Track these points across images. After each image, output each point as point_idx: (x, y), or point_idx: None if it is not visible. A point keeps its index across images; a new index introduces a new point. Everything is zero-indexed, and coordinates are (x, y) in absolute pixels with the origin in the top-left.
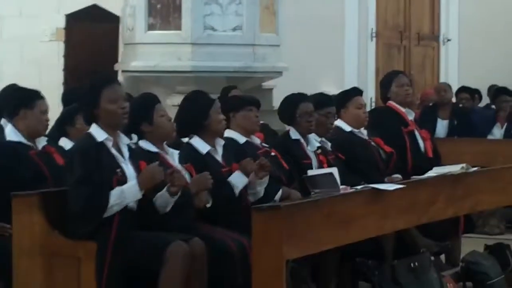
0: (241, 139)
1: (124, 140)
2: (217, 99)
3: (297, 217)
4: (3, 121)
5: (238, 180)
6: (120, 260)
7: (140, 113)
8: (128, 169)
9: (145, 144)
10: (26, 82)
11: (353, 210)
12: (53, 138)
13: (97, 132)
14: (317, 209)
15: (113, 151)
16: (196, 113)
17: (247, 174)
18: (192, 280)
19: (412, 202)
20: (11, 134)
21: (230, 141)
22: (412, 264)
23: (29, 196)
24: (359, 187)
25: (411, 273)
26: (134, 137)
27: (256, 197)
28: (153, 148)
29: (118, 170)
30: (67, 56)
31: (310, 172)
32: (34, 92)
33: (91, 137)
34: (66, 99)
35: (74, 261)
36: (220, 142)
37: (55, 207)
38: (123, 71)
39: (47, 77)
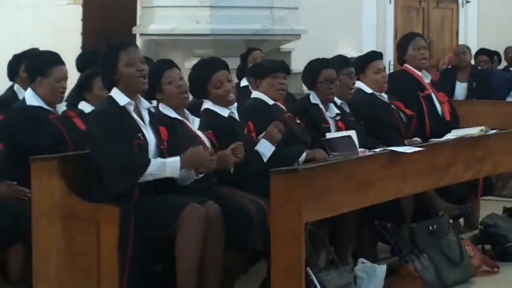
0: (270, 101)
1: (144, 104)
2: (222, 70)
3: (315, 180)
4: (16, 86)
5: (265, 148)
6: (140, 223)
7: (151, 80)
8: (149, 134)
9: (164, 109)
10: (43, 47)
11: (371, 173)
12: (72, 103)
13: (119, 96)
14: (336, 172)
15: (134, 115)
16: (196, 83)
17: (273, 142)
18: (208, 243)
19: (431, 165)
20: (31, 98)
21: (258, 101)
22: (430, 227)
23: (48, 160)
24: (377, 150)
25: (429, 235)
26: (154, 101)
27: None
28: (172, 114)
29: (140, 134)
30: (85, 20)
31: (329, 135)
32: (49, 59)
33: (113, 101)
34: (80, 63)
35: (93, 224)
36: (234, 109)
37: (74, 171)
38: (141, 34)
39: (65, 41)
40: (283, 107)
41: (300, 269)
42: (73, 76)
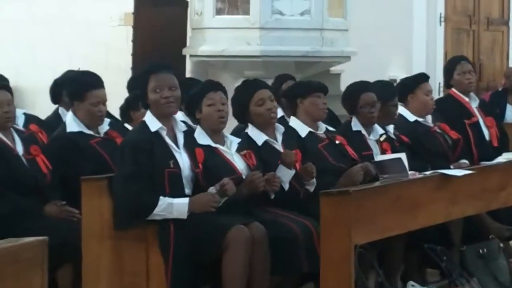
0: (304, 131)
1: (180, 127)
2: (264, 89)
3: (365, 202)
4: (61, 110)
5: (283, 174)
6: (184, 243)
7: (193, 100)
8: (182, 158)
9: (199, 137)
10: (94, 66)
11: (421, 195)
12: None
13: (151, 121)
14: (386, 194)
15: (167, 140)
16: (238, 103)
17: (288, 166)
18: (255, 265)
19: (482, 188)
20: (72, 123)
21: (292, 132)
22: (481, 250)
23: (98, 180)
24: (427, 172)
25: (480, 259)
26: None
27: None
28: (206, 141)
29: (171, 161)
30: (136, 41)
31: (379, 158)
32: (85, 83)
33: (145, 126)
34: (131, 85)
35: (142, 244)
36: (280, 129)
37: None
38: (191, 55)
39: (115, 61)
40: (323, 129)
41: None
42: (121, 97)
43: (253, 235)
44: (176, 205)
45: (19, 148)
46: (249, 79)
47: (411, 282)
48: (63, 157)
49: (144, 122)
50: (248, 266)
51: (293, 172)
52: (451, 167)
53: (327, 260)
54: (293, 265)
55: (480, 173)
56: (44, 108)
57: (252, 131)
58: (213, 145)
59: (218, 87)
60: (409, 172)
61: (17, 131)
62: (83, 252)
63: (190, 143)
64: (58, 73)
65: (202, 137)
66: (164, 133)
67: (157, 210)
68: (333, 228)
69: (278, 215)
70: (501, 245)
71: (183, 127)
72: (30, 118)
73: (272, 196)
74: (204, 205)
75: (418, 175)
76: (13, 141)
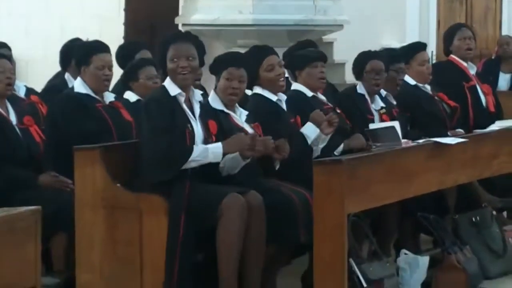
0: (309, 93)
1: (197, 97)
2: (273, 55)
3: (358, 171)
4: (67, 75)
5: (310, 130)
6: (190, 214)
7: (213, 67)
8: (197, 127)
9: (212, 101)
10: (87, 36)
11: (415, 164)
12: (118, 92)
13: (171, 86)
14: (379, 162)
15: (185, 107)
16: (249, 65)
17: (318, 125)
18: (250, 233)
19: (475, 156)
20: (80, 86)
21: (298, 93)
22: (473, 218)
23: (91, 150)
24: (421, 141)
25: (472, 227)
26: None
27: (314, 154)
28: (219, 106)
29: (188, 125)
30: (128, 10)
31: (372, 126)
32: (89, 48)
33: (165, 90)
34: (121, 54)
35: (136, 214)
36: (283, 97)
37: (117, 160)
38: (183, 24)
39: (107, 31)
40: (323, 97)
41: (343, 260)
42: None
43: (249, 204)
44: (211, 149)
45: (12, 118)
46: (257, 45)
47: (404, 250)
48: (69, 113)
49: (163, 86)
50: (243, 234)
51: (318, 131)
52: (449, 134)
53: (321, 229)
54: (290, 234)
55: (473, 141)
56: (36, 78)
57: (263, 91)
58: (226, 110)
59: (241, 63)
60: (402, 141)
61: (17, 99)
62: (76, 221)
63: (205, 115)
64: (50, 44)
65: (216, 103)
66: (182, 99)
67: (193, 156)
68: (326, 196)
69: (276, 184)
70: (494, 213)
71: (199, 98)
72: (30, 91)
73: (277, 167)
74: (239, 146)
75: (411, 144)
76: (7, 111)
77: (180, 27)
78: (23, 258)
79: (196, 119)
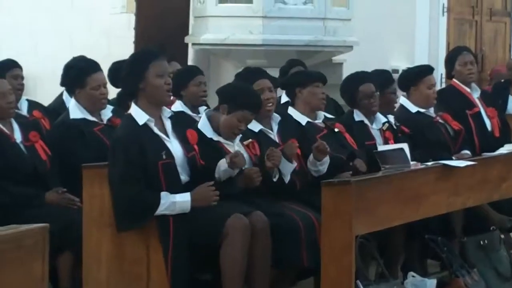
0: (303, 120)
1: (166, 113)
2: (264, 79)
3: (367, 193)
4: (65, 95)
5: (284, 166)
6: (183, 233)
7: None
8: (173, 146)
9: (203, 128)
10: (96, 54)
11: (423, 186)
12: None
13: (138, 114)
14: (387, 184)
15: (156, 131)
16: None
17: (289, 159)
18: (255, 254)
19: (483, 179)
20: (75, 110)
21: (292, 120)
22: (481, 242)
23: (99, 168)
24: (429, 163)
25: (480, 250)
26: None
27: (318, 174)
28: (210, 135)
29: (163, 152)
30: (138, 28)
31: (381, 148)
32: (82, 69)
33: (132, 120)
34: (112, 74)
35: (142, 232)
36: (276, 119)
37: None
38: (193, 44)
39: (116, 49)
40: (321, 119)
41: (350, 281)
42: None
43: (254, 224)
44: (179, 204)
45: (18, 136)
46: (250, 67)
47: (412, 273)
48: (65, 144)
49: (130, 115)
50: (247, 255)
51: (294, 165)
52: (453, 158)
53: (328, 250)
54: (293, 258)
55: (482, 164)
56: (45, 95)
57: None
58: (215, 138)
59: (259, 108)
60: (411, 163)
61: (20, 116)
62: (84, 239)
63: (178, 127)
64: (59, 61)
65: (206, 130)
66: (152, 125)
67: (159, 210)
68: (334, 218)
69: (281, 206)
70: (502, 236)
71: (168, 113)
72: (33, 104)
73: (275, 178)
74: (206, 200)
75: (420, 166)
76: (11, 128)
77: (190, 46)
78: (30, 276)
79: (170, 137)
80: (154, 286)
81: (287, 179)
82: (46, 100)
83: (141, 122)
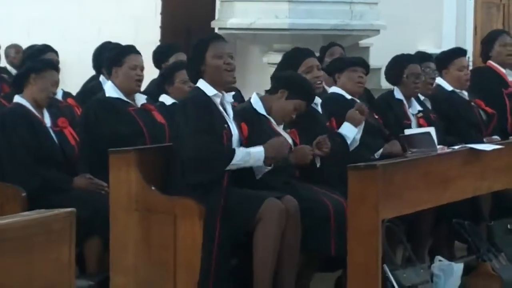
0: (347, 95)
1: (228, 99)
2: (313, 57)
3: (393, 177)
4: (102, 78)
5: (348, 130)
6: (226, 218)
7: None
8: (233, 128)
9: (255, 104)
10: (123, 39)
11: (450, 170)
12: (153, 94)
13: (206, 87)
14: (414, 168)
15: (220, 108)
16: (288, 66)
17: (355, 124)
18: (286, 238)
19: (510, 162)
20: (111, 90)
21: (335, 96)
22: (509, 225)
23: (126, 153)
24: (456, 147)
25: (508, 234)
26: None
27: (353, 146)
28: (262, 110)
29: (226, 125)
30: (164, 13)
31: (408, 131)
32: (122, 49)
33: (201, 91)
34: (156, 57)
35: (170, 217)
36: (318, 100)
37: (151, 163)
38: (219, 28)
39: (144, 34)
40: (360, 102)
41: (377, 266)
42: (151, 69)
43: (286, 208)
44: (253, 153)
45: (47, 121)
46: (298, 47)
47: (439, 257)
48: (100, 119)
49: (198, 87)
50: (279, 239)
51: (356, 130)
52: (484, 140)
53: (355, 234)
54: (322, 245)
55: (509, 148)
56: (73, 82)
57: None
58: (267, 116)
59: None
60: (438, 147)
61: (53, 101)
62: (111, 224)
63: (238, 117)
64: (87, 47)
65: (259, 107)
66: (218, 101)
67: (235, 160)
68: (360, 202)
69: (313, 190)
70: None
71: (230, 99)
72: (67, 95)
73: (318, 164)
74: (280, 151)
75: (446, 150)
76: (42, 114)
77: (216, 31)
78: (57, 260)
79: (231, 119)
80: (181, 271)
81: (350, 140)
82: (73, 86)
83: (209, 94)
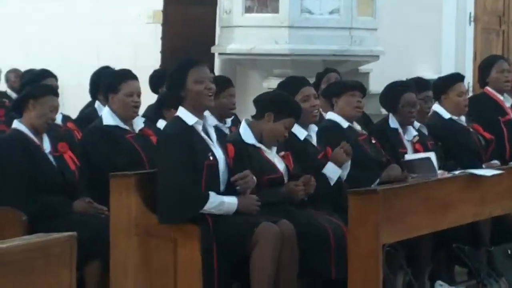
0: (344, 123)
1: (210, 122)
2: (309, 86)
3: (394, 201)
4: (98, 104)
5: (332, 171)
6: (222, 242)
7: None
8: (218, 151)
9: (245, 135)
10: (123, 63)
11: (450, 195)
12: (151, 119)
13: (186, 116)
14: (415, 193)
15: (203, 134)
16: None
17: (339, 165)
18: (282, 262)
19: (510, 188)
20: (108, 117)
21: (332, 124)
22: (509, 251)
23: (127, 177)
24: (456, 172)
25: (508, 259)
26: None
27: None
28: (252, 141)
29: (209, 154)
30: (164, 38)
31: (408, 157)
32: (119, 75)
33: (181, 120)
34: (153, 81)
35: (170, 242)
36: (314, 128)
37: (151, 188)
38: (220, 54)
39: (143, 58)
40: (358, 127)
41: None
42: (151, 95)
43: (282, 233)
44: (227, 204)
45: (47, 146)
46: (294, 75)
47: (439, 282)
48: (98, 148)
49: (178, 117)
50: (276, 263)
51: (340, 171)
52: (483, 166)
53: (355, 258)
54: (322, 269)
55: (509, 173)
56: (72, 106)
57: (295, 126)
58: (257, 145)
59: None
60: (438, 172)
61: (53, 126)
62: (111, 248)
63: (222, 138)
64: (86, 72)
65: (248, 137)
66: (200, 128)
67: (208, 206)
68: (361, 227)
69: (312, 214)
70: None
71: (213, 122)
72: (66, 118)
73: (306, 198)
74: (249, 208)
75: (447, 175)
76: (41, 139)
77: (216, 56)
78: (57, 284)
79: (214, 143)
80: None
81: (332, 182)
82: (72, 110)
83: (190, 123)
